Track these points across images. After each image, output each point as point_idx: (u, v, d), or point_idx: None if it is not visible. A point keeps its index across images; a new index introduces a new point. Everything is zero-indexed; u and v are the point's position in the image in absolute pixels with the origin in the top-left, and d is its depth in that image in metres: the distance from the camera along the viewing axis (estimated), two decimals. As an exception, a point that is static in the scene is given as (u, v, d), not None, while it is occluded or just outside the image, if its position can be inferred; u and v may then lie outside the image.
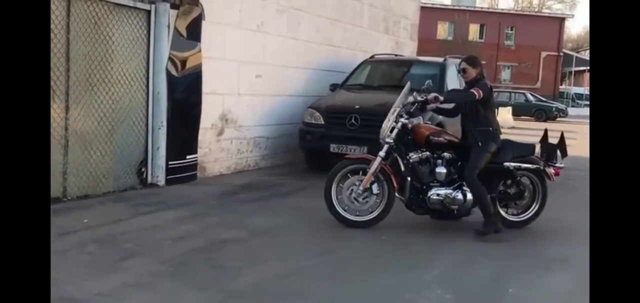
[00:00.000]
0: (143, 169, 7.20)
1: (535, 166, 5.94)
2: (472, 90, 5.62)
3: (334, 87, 9.96)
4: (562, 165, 6.14)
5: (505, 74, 51.04)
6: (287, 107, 9.76)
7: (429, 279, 4.41)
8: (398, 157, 5.73)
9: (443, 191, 5.68)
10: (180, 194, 6.94)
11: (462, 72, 5.90)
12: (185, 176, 7.58)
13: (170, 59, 7.26)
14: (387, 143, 5.68)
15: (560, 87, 54.11)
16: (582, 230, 6.13)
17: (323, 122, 8.74)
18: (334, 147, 8.51)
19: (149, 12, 7.06)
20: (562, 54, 52.54)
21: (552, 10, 65.45)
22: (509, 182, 5.94)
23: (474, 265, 4.86)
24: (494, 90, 6.22)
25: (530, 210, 6.07)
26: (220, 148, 8.45)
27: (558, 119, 31.16)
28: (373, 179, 5.66)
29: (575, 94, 55.33)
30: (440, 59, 10.32)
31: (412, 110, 5.78)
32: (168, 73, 7.25)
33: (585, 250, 5.31)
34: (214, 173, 8.29)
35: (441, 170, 5.72)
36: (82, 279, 4.02)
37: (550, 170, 5.96)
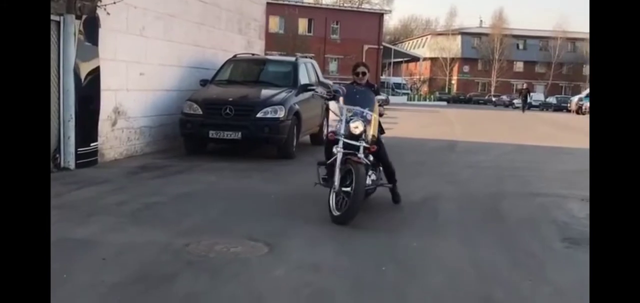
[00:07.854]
0: (57, 155, 8.46)
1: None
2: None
3: (204, 83, 11.64)
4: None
5: (333, 66, 54.87)
6: (165, 100, 11.30)
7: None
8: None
9: (373, 174, 6.99)
10: (92, 175, 8.31)
11: (361, 75, 7.30)
12: (89, 161, 8.92)
13: (76, 61, 8.57)
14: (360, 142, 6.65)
15: (381, 77, 59.23)
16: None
17: (201, 112, 10.40)
18: (212, 133, 10.26)
19: (58, 22, 8.32)
20: (381, 46, 57.53)
21: (372, 4, 71.01)
22: None
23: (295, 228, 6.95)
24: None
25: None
26: (115, 136, 9.83)
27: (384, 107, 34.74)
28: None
29: (394, 83, 61.01)
30: (293, 58, 12.44)
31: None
32: (75, 73, 8.56)
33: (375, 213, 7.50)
34: (110, 158, 9.66)
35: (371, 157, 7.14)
36: (70, 228, 5.48)
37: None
